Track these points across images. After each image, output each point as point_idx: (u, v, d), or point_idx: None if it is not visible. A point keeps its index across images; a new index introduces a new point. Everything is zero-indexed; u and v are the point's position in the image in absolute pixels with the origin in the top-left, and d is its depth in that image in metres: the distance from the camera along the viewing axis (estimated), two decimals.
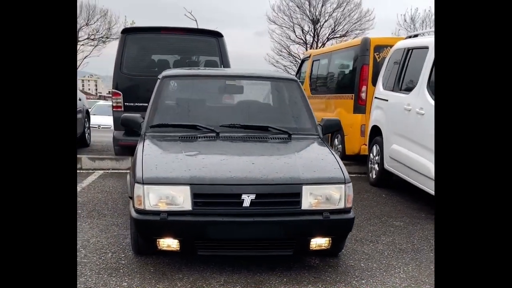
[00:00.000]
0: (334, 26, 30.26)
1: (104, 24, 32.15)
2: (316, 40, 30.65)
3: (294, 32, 31.02)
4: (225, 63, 8.43)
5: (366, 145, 8.30)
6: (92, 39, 31.95)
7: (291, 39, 31.24)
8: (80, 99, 10.02)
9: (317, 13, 30.17)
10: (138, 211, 3.63)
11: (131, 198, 3.87)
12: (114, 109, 8.40)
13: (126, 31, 8.60)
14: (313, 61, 11.32)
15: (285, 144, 4.45)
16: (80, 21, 30.85)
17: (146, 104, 7.99)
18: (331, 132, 5.05)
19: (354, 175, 7.77)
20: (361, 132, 8.54)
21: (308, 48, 30.06)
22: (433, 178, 5.44)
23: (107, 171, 8.20)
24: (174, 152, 4.11)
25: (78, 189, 6.64)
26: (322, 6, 30.07)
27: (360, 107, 8.61)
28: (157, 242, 3.70)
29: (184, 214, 3.60)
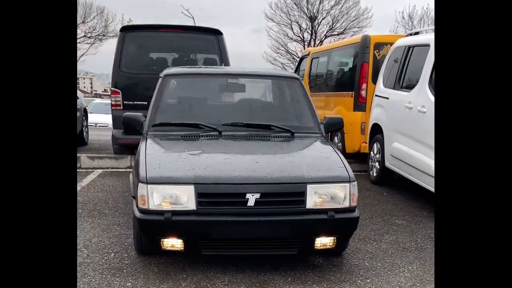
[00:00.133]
0: (332, 24, 30.25)
1: (100, 22, 32.05)
2: (313, 37, 30.61)
3: (292, 29, 31.00)
4: (224, 61, 8.40)
5: (366, 143, 8.28)
6: (89, 37, 31.84)
7: (288, 37, 31.23)
8: (78, 97, 9.97)
9: (314, 11, 30.13)
10: (142, 211, 3.61)
11: (134, 197, 3.85)
12: (113, 108, 8.36)
13: (125, 29, 8.55)
14: (312, 59, 11.30)
15: (288, 143, 4.43)
16: (77, 19, 30.73)
17: (146, 103, 8.07)
18: (334, 131, 5.02)
19: (354, 173, 7.70)
20: (361, 130, 8.53)
21: (305, 46, 30.03)
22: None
23: (106, 170, 8.16)
24: (177, 151, 4.08)
25: (78, 188, 6.60)
26: (320, 3, 30.04)
27: (360, 105, 8.59)
28: (161, 242, 3.67)
29: (188, 214, 3.57)
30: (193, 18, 24.80)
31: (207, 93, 5.23)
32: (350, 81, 8.93)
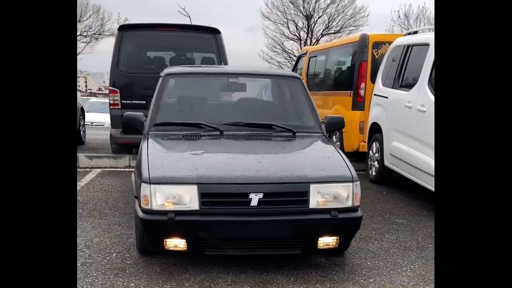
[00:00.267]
0: (328, 22, 30.24)
1: (96, 21, 31.92)
2: (310, 36, 30.61)
3: (288, 28, 31.00)
4: (223, 60, 8.39)
5: (365, 142, 8.29)
6: (85, 36, 31.73)
7: (285, 35, 31.21)
8: None
9: (311, 9, 30.14)
10: (145, 211, 3.59)
11: (137, 197, 3.84)
12: (111, 107, 8.33)
13: (123, 28, 8.52)
14: (310, 58, 11.30)
15: (290, 142, 4.43)
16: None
17: (144, 102, 8.08)
18: (335, 130, 5.01)
19: None
20: (360, 129, 8.54)
21: (302, 44, 30.02)
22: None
23: (105, 169, 8.14)
24: (179, 151, 4.07)
25: (77, 188, 6.58)
26: (316, 2, 30.02)
27: (359, 104, 8.60)
28: (164, 242, 3.66)
29: (191, 214, 3.56)
30: (189, 16, 24.79)
31: (208, 93, 5.22)
32: (349, 80, 8.94)
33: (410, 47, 6.87)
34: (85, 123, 11.44)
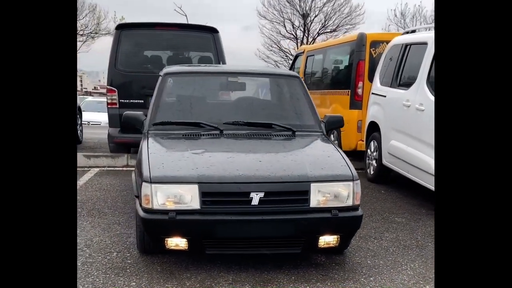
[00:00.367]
0: (325, 21, 30.24)
1: (92, 20, 31.86)
2: (306, 35, 30.62)
3: (285, 27, 30.97)
4: (221, 59, 8.39)
5: (362, 141, 8.31)
6: (81, 35, 31.65)
7: (281, 34, 31.19)
8: None
9: (307, 8, 30.13)
10: (146, 210, 3.59)
11: (138, 197, 3.84)
12: (109, 106, 8.32)
13: (121, 27, 8.52)
14: (307, 57, 11.31)
15: (290, 141, 4.43)
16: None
17: (142, 101, 8.07)
18: (334, 129, 5.03)
19: None
20: (358, 127, 8.56)
21: (298, 43, 30.02)
22: (434, 174, 5.45)
23: (103, 168, 8.13)
24: (180, 150, 4.07)
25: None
26: (312, 0, 30.02)
27: (357, 103, 8.62)
28: (165, 242, 3.66)
29: (192, 213, 3.56)
30: (186, 15, 24.76)
31: (207, 92, 5.22)
32: (346, 79, 8.95)
33: (408, 46, 6.88)
34: (82, 122, 11.41)
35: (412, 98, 6.22)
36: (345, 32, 29.38)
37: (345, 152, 8.59)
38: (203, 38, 8.57)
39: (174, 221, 3.52)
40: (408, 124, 6.30)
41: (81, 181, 6.99)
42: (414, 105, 6.11)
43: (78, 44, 31.64)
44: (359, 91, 8.57)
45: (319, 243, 3.78)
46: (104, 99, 20.88)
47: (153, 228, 3.65)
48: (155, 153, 3.96)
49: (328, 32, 30.27)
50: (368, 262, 4.18)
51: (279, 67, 28.94)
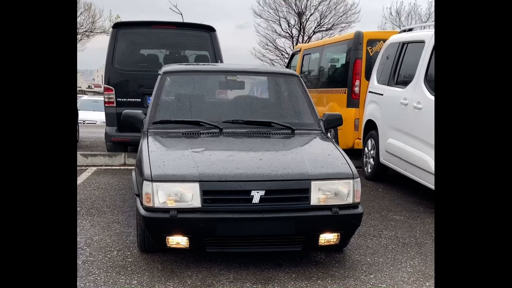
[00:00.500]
0: (320, 20, 30.27)
1: (87, 18, 31.75)
2: (302, 33, 30.63)
3: (280, 25, 30.98)
4: (218, 57, 8.39)
5: (359, 139, 8.33)
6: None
7: (277, 33, 31.19)
8: None
9: (302, 6, 30.14)
10: (147, 209, 3.60)
11: (138, 195, 3.84)
12: (106, 105, 8.31)
13: (118, 26, 8.50)
14: (303, 55, 11.31)
15: (289, 140, 4.44)
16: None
17: (139, 100, 8.08)
18: (333, 127, 5.05)
19: None
20: (355, 126, 8.57)
21: (294, 42, 30.03)
22: (432, 172, 5.48)
23: (100, 167, 8.13)
24: (180, 149, 4.07)
25: None
26: None
27: (354, 101, 8.63)
28: (166, 240, 3.67)
29: (193, 211, 3.57)
30: (181, 14, 24.74)
31: (207, 91, 5.23)
32: (343, 77, 8.96)
33: (405, 44, 6.90)
34: (78, 121, 11.38)
35: (409, 97, 6.24)
36: (341, 30, 29.44)
37: None
38: (200, 37, 8.57)
39: (175, 219, 3.53)
40: (405, 122, 6.32)
41: (79, 180, 6.98)
42: (412, 104, 6.13)
43: None
44: (356, 89, 8.58)
45: (319, 241, 3.80)
46: (98, 97, 20.86)
47: (154, 226, 3.65)
48: (155, 151, 3.96)
49: (323, 30, 30.31)
50: (368, 259, 4.20)
51: (274, 65, 28.94)
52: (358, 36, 8.68)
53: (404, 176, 6.39)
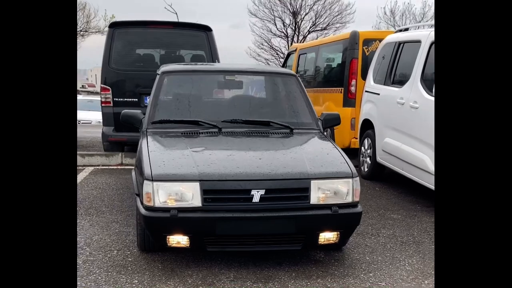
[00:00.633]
0: (315, 19, 30.31)
1: (82, 18, 31.64)
2: (297, 33, 30.67)
3: (275, 25, 31.02)
4: (215, 57, 8.40)
5: (356, 138, 8.36)
6: None
7: (272, 32, 31.22)
8: None
9: (297, 6, 30.18)
10: (148, 208, 3.61)
11: (138, 195, 3.86)
12: (103, 105, 8.31)
13: (115, 26, 8.50)
14: (299, 55, 11.34)
15: (288, 139, 4.47)
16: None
17: (136, 99, 8.08)
18: (331, 126, 5.08)
19: None
20: (351, 125, 8.60)
21: (289, 41, 30.07)
22: (429, 171, 5.51)
23: (97, 167, 8.13)
24: (180, 148, 4.09)
25: None
26: None
27: (350, 100, 8.66)
28: (167, 239, 3.68)
29: (194, 211, 3.59)
30: (176, 13, 24.69)
31: (205, 90, 5.24)
32: (339, 77, 8.99)
33: (402, 44, 6.93)
34: None
35: (406, 96, 6.27)
36: (335, 30, 29.49)
37: None
38: (196, 37, 8.58)
39: (176, 219, 3.55)
40: (402, 122, 6.35)
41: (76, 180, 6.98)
42: (408, 103, 6.16)
43: None
44: (352, 89, 8.61)
45: (319, 240, 3.82)
46: (93, 97, 20.82)
47: (155, 225, 3.67)
48: (155, 151, 3.98)
49: (318, 30, 30.36)
50: (367, 258, 4.23)
51: (269, 65, 28.97)
52: (354, 35, 8.72)
53: (401, 175, 6.42)
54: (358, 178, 3.84)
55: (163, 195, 3.60)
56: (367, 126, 7.59)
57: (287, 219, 3.67)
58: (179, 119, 4.57)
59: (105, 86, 8.22)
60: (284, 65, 12.61)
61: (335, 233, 3.84)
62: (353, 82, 8.61)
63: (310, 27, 30.51)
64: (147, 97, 7.90)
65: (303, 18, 30.61)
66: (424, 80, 5.98)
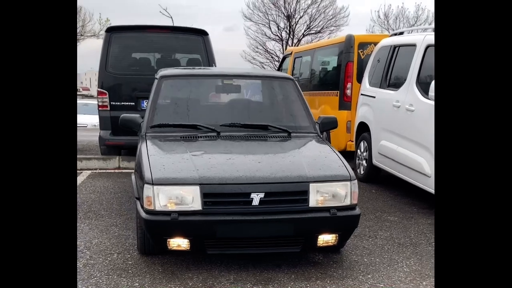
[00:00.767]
0: (309, 23, 30.43)
1: (78, 22, 31.61)
2: (291, 36, 30.77)
3: (270, 28, 31.11)
4: (211, 61, 8.45)
5: (352, 141, 8.41)
6: None
7: (266, 36, 31.32)
8: None
9: (292, 10, 30.29)
10: (148, 212, 3.64)
11: (139, 199, 3.89)
12: (100, 109, 8.35)
13: (111, 30, 8.53)
14: (295, 58, 11.39)
15: (286, 143, 4.51)
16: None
17: (133, 103, 8.11)
18: (328, 130, 5.12)
19: None
20: (347, 128, 8.66)
21: (284, 45, 30.16)
22: (425, 173, 5.56)
23: (95, 171, 8.15)
24: (179, 152, 4.13)
25: None
26: (297, 2, 30.16)
27: (346, 103, 8.73)
28: (167, 242, 3.71)
29: (194, 214, 3.62)
30: (171, 17, 24.77)
31: (203, 94, 5.28)
32: (335, 80, 9.05)
33: (397, 48, 7.00)
34: None
35: (402, 99, 6.33)
36: (330, 33, 29.62)
37: None
38: (193, 41, 8.63)
39: (176, 222, 3.58)
40: (398, 124, 6.41)
41: None
42: (404, 106, 6.22)
43: None
44: (348, 92, 8.68)
45: (318, 242, 3.86)
46: (88, 101, 20.80)
47: (156, 229, 3.70)
48: (155, 155, 4.01)
49: (313, 33, 30.49)
50: (365, 260, 4.27)
51: (264, 68, 29.03)
52: (350, 39, 8.78)
53: (397, 178, 6.48)
54: (356, 181, 3.88)
55: (163, 199, 3.63)
56: (363, 129, 7.65)
57: (286, 222, 3.71)
58: (178, 123, 4.60)
59: (102, 90, 8.25)
60: (279, 68, 12.66)
61: (334, 235, 3.88)
62: (349, 85, 8.68)
63: (305, 31, 30.66)
64: (144, 100, 7.95)
65: (298, 21, 30.75)
66: (420, 83, 6.04)
